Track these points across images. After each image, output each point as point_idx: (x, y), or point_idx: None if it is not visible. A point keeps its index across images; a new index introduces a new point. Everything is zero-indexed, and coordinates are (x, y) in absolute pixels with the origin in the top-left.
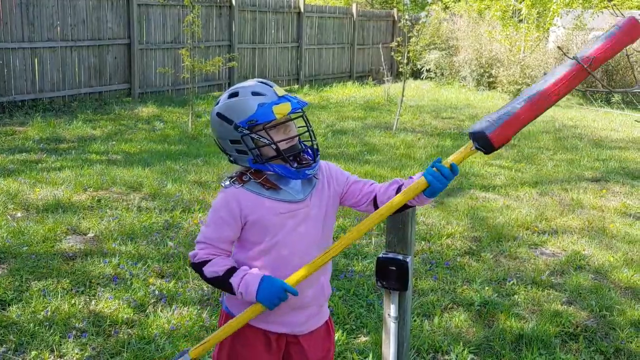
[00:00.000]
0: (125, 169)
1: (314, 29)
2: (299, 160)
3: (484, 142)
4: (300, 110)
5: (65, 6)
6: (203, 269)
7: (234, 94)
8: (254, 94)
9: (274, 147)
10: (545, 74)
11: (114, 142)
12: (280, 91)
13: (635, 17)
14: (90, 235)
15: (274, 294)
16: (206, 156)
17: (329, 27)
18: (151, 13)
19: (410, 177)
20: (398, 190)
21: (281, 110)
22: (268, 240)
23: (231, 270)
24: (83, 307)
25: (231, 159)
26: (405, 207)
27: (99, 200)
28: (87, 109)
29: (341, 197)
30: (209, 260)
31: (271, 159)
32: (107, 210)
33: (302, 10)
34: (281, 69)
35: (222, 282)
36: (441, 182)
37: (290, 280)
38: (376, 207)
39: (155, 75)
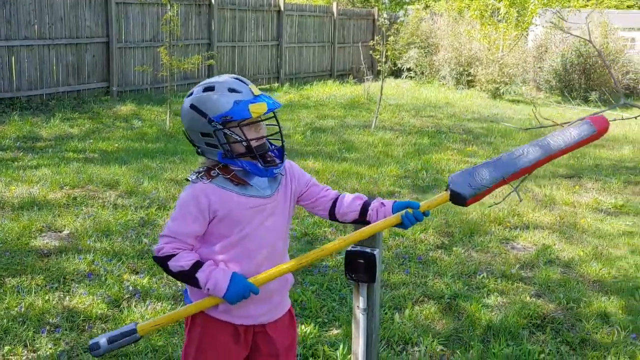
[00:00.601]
0: (102, 167)
1: (294, 27)
2: (265, 159)
3: (460, 202)
4: (272, 112)
5: (42, 4)
6: (168, 263)
7: (210, 88)
8: (231, 90)
9: (245, 144)
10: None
11: (91, 141)
12: (256, 90)
13: (605, 117)
14: (66, 232)
15: (239, 293)
16: (183, 154)
17: (309, 26)
18: (130, 11)
19: (382, 203)
20: (363, 206)
21: (257, 109)
22: (236, 234)
23: (197, 265)
24: (57, 303)
25: (199, 150)
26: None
27: (74, 198)
28: (65, 107)
29: (299, 196)
30: (174, 255)
31: (241, 155)
32: (83, 207)
33: (282, 8)
34: (261, 67)
35: (188, 277)
36: (412, 224)
37: (258, 279)
38: (332, 214)
39: (133, 73)
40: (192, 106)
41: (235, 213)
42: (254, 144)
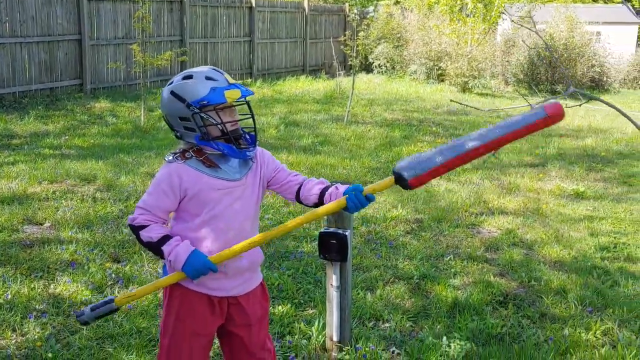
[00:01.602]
0: (78, 163)
1: (266, 23)
2: (239, 143)
3: (403, 184)
4: (244, 99)
5: (13, 2)
6: (140, 232)
7: (188, 77)
8: (207, 78)
9: (221, 127)
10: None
11: (67, 137)
12: (230, 79)
13: (560, 104)
14: (47, 225)
15: (197, 268)
16: (158, 149)
17: (281, 22)
18: (101, 9)
19: (336, 187)
20: (323, 190)
21: (231, 95)
22: (206, 213)
23: (165, 238)
24: (42, 290)
25: (178, 134)
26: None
27: (53, 192)
28: (38, 105)
29: (269, 181)
30: (146, 226)
31: (217, 137)
32: (63, 201)
33: (253, 4)
34: (234, 63)
35: (155, 248)
36: (357, 208)
37: (217, 257)
38: (298, 197)
39: (106, 70)
40: (172, 92)
41: (204, 193)
42: (228, 127)
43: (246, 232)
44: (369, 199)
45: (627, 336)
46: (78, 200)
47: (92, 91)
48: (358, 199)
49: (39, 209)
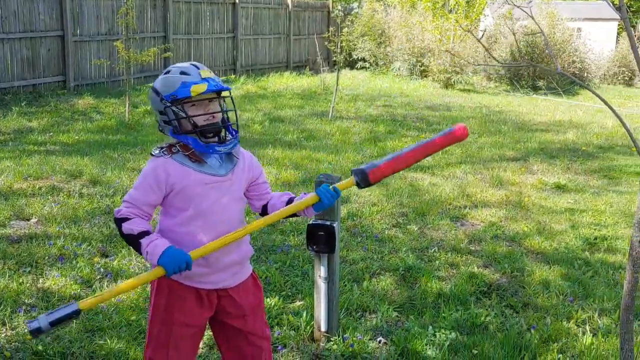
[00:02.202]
0: (64, 159)
1: (250, 19)
2: (222, 139)
3: (363, 177)
4: (214, 92)
5: None
6: (122, 224)
7: (167, 72)
8: (182, 73)
9: (192, 121)
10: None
11: (51, 134)
12: (205, 74)
13: (463, 125)
14: (34, 220)
15: (174, 263)
16: (143, 145)
17: (264, 18)
18: (84, 5)
19: (304, 193)
20: (289, 201)
21: (197, 89)
22: (193, 208)
23: (144, 233)
24: (31, 285)
25: (160, 128)
26: (294, 215)
27: (39, 188)
28: (21, 101)
29: (250, 183)
30: (130, 219)
31: (189, 132)
32: (49, 197)
33: (237, 0)
34: (217, 59)
35: (134, 240)
36: (328, 199)
37: (196, 252)
38: (264, 210)
39: (90, 67)
40: (153, 88)
41: (190, 188)
42: (201, 121)
43: (234, 227)
44: (337, 192)
45: (607, 324)
46: (64, 196)
47: (76, 88)
48: (329, 191)
49: (26, 204)
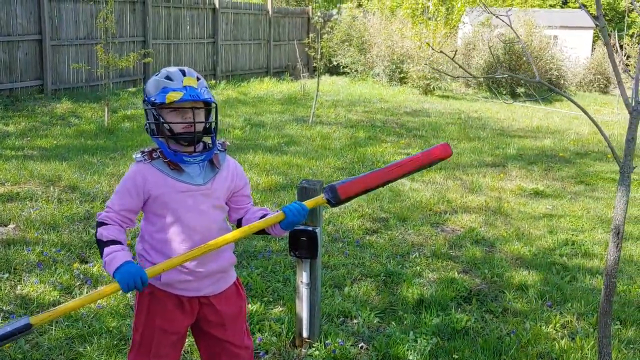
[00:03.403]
0: (42, 164)
1: (230, 24)
2: (204, 147)
3: (334, 194)
4: (189, 102)
5: None
6: (98, 228)
7: (155, 74)
8: (167, 77)
9: (168, 127)
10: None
11: (29, 138)
12: (189, 81)
13: (447, 144)
14: (12, 226)
15: (129, 279)
16: (123, 150)
17: (244, 23)
18: (63, 8)
19: (277, 210)
20: (262, 217)
21: (171, 96)
22: (170, 215)
23: (112, 242)
24: (9, 291)
25: (145, 127)
26: (263, 232)
27: (17, 194)
28: None
29: (233, 193)
30: (107, 224)
31: (166, 137)
32: (27, 202)
33: (217, 6)
34: (197, 65)
35: (100, 246)
36: (295, 217)
37: (153, 270)
38: (239, 224)
39: (68, 71)
40: (144, 89)
41: (167, 195)
42: (178, 129)
43: (213, 236)
44: (304, 209)
45: (585, 328)
46: (43, 202)
47: (54, 92)
48: (296, 208)
49: (3, 210)
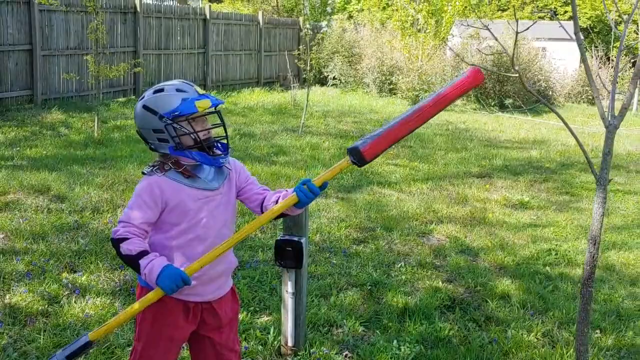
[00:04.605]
0: (31, 174)
1: (220, 35)
2: (212, 151)
3: (358, 156)
4: (215, 107)
5: None
6: (121, 245)
7: (160, 90)
8: (178, 90)
9: (194, 136)
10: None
11: (18, 148)
12: (200, 90)
13: (479, 67)
14: (0, 236)
15: (172, 282)
16: (113, 160)
17: (235, 34)
18: (54, 19)
19: (287, 190)
20: (279, 198)
21: (202, 105)
22: (186, 222)
23: (143, 253)
24: None
25: (152, 146)
26: (282, 215)
27: (6, 203)
28: None
29: (239, 190)
30: (128, 239)
31: (190, 147)
32: (17, 212)
33: (208, 16)
34: (187, 75)
35: (133, 261)
36: (308, 198)
37: (191, 268)
38: (262, 208)
39: (58, 81)
40: (144, 107)
41: (185, 204)
42: (201, 136)
43: (225, 237)
44: (323, 187)
45: (565, 337)
46: (32, 212)
47: (44, 102)
48: (308, 189)
49: None
